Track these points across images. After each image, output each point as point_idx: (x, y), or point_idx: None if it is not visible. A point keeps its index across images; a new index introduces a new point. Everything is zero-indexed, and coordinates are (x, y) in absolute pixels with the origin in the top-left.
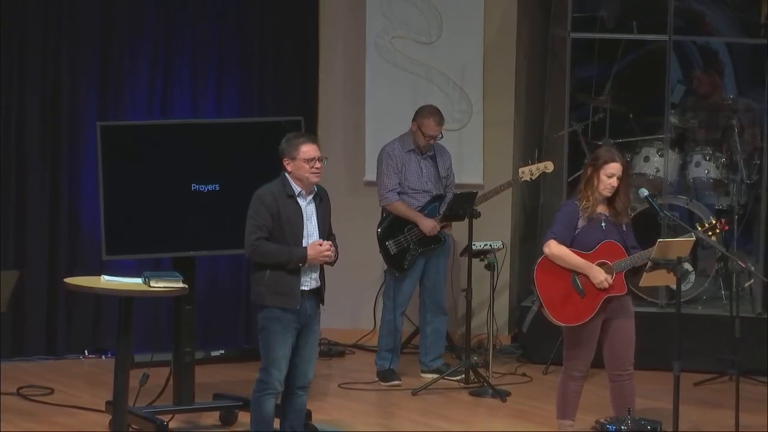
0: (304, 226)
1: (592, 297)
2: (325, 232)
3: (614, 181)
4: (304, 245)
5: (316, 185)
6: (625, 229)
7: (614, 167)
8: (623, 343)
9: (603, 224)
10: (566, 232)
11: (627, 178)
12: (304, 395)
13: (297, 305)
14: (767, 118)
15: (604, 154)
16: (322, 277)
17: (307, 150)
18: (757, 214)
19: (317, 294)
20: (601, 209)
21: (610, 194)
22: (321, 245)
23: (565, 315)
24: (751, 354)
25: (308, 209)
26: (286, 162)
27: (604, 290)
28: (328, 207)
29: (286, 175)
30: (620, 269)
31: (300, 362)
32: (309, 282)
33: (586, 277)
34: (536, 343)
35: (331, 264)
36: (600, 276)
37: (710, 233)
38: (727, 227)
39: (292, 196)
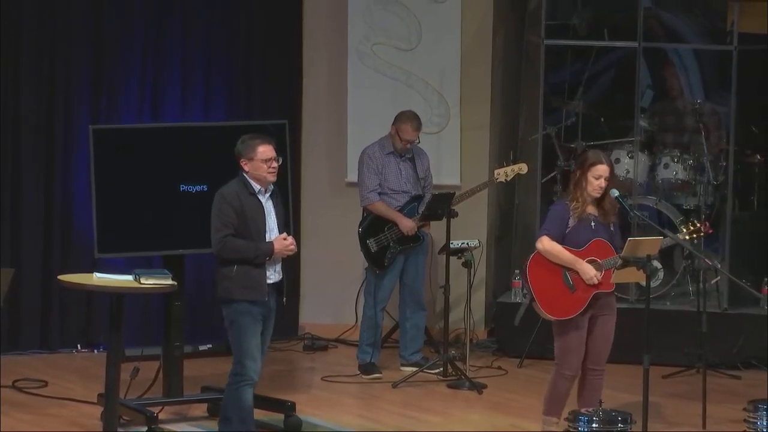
0: (266, 222)
1: (582, 292)
2: (283, 227)
3: (602, 182)
4: (267, 240)
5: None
6: (612, 228)
7: (601, 169)
8: (604, 340)
9: (592, 224)
10: (557, 230)
11: (613, 179)
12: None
13: (265, 297)
14: (732, 121)
15: (592, 157)
16: (282, 270)
17: (264, 150)
18: (722, 214)
19: (279, 287)
20: (591, 210)
21: (599, 195)
22: (286, 239)
23: (555, 309)
24: (718, 348)
25: (268, 205)
26: (244, 162)
27: (594, 286)
28: (284, 202)
29: (245, 174)
30: (609, 266)
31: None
32: (273, 275)
33: (577, 273)
34: (511, 337)
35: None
36: (590, 272)
37: (695, 235)
38: (711, 230)
39: (254, 194)
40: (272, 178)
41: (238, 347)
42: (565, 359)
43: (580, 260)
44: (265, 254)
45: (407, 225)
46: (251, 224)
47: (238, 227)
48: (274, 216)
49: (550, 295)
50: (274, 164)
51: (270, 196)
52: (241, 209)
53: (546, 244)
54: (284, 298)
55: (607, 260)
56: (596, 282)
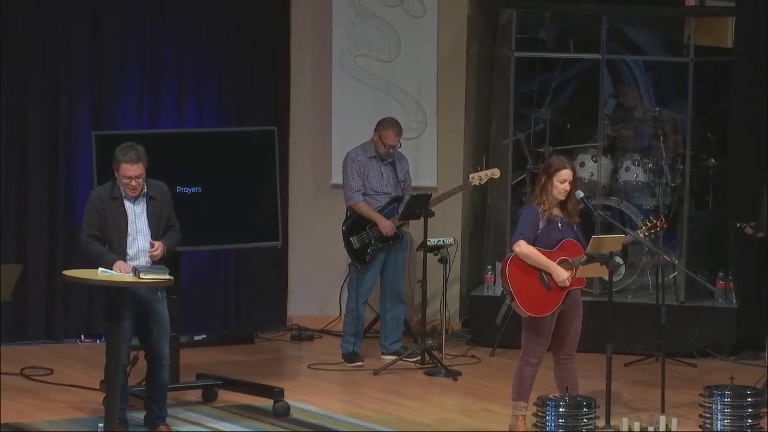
0: (130, 225)
1: (557, 290)
2: (161, 228)
3: (567, 186)
4: (131, 243)
5: (154, 184)
6: (576, 228)
7: (566, 173)
8: (573, 332)
9: (559, 225)
10: (531, 233)
11: (576, 182)
12: (163, 372)
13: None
14: (689, 127)
15: (556, 163)
16: (178, 268)
17: (125, 169)
18: (680, 214)
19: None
20: (556, 212)
21: (564, 198)
22: (125, 265)
23: (534, 307)
24: (675, 338)
25: (136, 209)
26: (114, 168)
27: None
28: (163, 203)
29: (116, 178)
30: (579, 264)
31: (153, 343)
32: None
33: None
34: (484, 328)
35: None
36: (563, 275)
37: (653, 230)
38: (666, 224)
39: (117, 198)
40: (131, 194)
41: None
42: (532, 348)
43: (554, 264)
44: (107, 266)
45: (386, 226)
46: (112, 228)
47: (101, 228)
48: (146, 218)
49: (529, 295)
50: (133, 183)
51: (144, 199)
52: (103, 212)
53: (524, 248)
54: (159, 293)
55: (576, 258)
56: (568, 284)
